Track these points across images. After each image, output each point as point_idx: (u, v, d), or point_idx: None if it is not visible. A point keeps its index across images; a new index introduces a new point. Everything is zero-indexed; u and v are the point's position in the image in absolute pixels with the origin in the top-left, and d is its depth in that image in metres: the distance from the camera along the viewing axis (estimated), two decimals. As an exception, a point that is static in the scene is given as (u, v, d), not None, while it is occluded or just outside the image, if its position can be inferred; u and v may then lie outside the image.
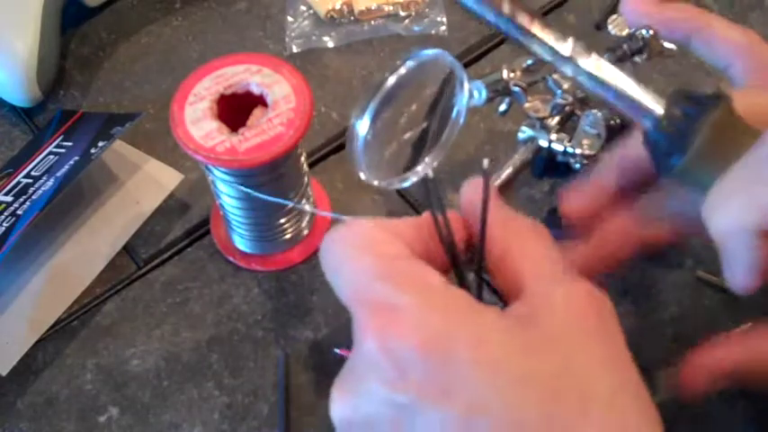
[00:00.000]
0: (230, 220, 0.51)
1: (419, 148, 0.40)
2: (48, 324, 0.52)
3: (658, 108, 0.38)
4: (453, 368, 0.30)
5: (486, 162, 0.34)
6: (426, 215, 0.36)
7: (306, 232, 0.54)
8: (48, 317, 0.52)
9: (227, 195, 0.48)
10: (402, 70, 0.38)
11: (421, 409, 0.30)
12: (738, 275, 0.38)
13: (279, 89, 0.46)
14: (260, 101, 0.46)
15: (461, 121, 0.40)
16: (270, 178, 0.46)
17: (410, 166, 0.40)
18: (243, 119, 0.45)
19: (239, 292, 0.53)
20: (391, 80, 0.38)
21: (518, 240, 0.35)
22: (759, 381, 0.41)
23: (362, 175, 0.39)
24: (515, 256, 0.35)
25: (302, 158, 0.49)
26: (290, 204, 0.49)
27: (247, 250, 0.54)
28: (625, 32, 0.49)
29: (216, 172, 0.47)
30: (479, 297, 0.36)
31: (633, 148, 0.41)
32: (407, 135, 0.40)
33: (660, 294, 0.51)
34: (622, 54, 0.49)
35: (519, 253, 0.35)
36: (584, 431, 0.30)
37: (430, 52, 0.39)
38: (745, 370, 0.41)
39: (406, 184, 0.39)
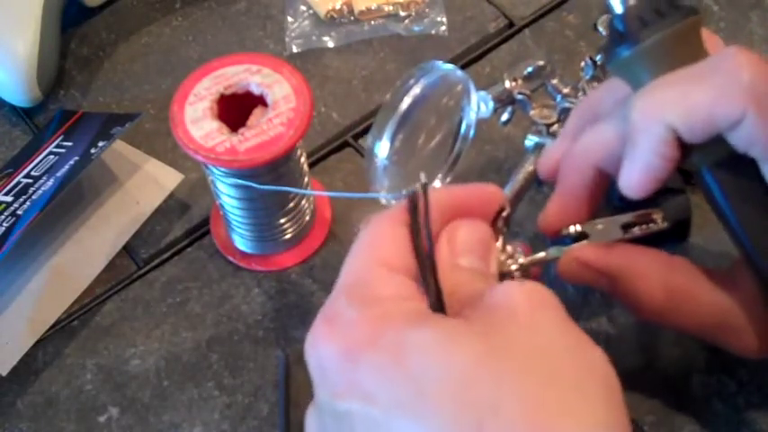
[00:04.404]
0: (230, 220, 0.51)
1: (432, 164, 0.40)
2: (48, 324, 0.52)
3: None
4: (374, 373, 0.30)
5: (422, 176, 0.34)
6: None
7: (306, 232, 0.54)
8: (48, 317, 0.52)
9: (227, 195, 0.48)
10: (416, 90, 0.38)
11: (354, 414, 0.31)
12: (635, 173, 0.37)
13: (279, 89, 0.46)
14: (260, 101, 0.46)
15: (471, 134, 0.40)
16: (270, 178, 0.46)
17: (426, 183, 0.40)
18: (243, 119, 0.45)
19: (239, 292, 0.53)
20: (407, 101, 0.37)
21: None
22: (625, 291, 0.41)
23: (383, 200, 0.39)
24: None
25: (302, 158, 0.49)
26: (293, 191, 0.49)
27: (247, 250, 0.54)
28: None
29: (216, 172, 0.47)
30: (440, 306, 0.35)
31: (611, 83, 0.42)
32: (422, 153, 0.39)
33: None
34: None
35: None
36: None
37: (440, 69, 0.38)
38: (614, 275, 0.41)
39: None
